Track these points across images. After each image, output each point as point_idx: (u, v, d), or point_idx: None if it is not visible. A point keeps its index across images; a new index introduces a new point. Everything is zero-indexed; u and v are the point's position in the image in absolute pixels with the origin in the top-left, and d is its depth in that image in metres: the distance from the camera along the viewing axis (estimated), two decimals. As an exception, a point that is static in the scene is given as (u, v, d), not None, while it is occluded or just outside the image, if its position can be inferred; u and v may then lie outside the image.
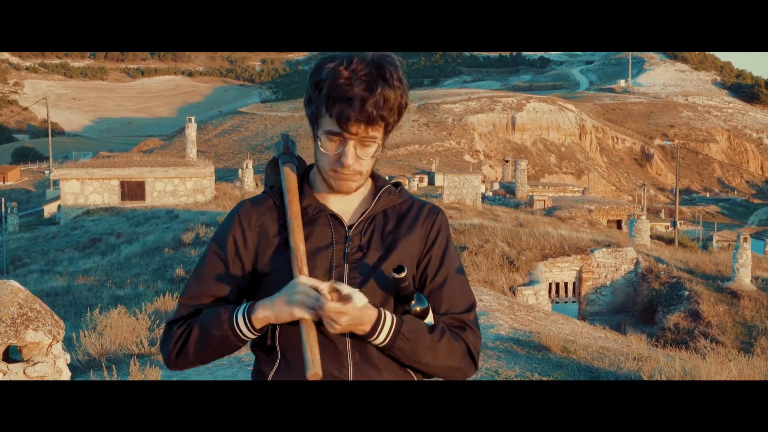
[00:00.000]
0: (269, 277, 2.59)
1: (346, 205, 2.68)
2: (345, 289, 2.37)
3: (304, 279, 2.42)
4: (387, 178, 2.67)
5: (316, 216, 2.63)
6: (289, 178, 2.69)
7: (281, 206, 2.67)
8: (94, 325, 10.31)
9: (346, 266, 2.59)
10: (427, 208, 2.74)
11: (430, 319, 2.57)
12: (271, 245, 2.62)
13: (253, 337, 2.51)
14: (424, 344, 2.49)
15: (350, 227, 2.65)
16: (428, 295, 2.63)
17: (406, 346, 2.46)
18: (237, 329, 2.48)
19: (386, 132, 2.57)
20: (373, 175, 2.77)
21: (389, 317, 2.46)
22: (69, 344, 9.86)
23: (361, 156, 2.54)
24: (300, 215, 2.60)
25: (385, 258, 2.60)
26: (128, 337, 10.17)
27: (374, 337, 2.44)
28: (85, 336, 9.88)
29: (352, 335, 2.51)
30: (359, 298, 2.38)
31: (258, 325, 2.48)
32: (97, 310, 10.86)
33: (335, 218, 2.65)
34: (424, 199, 2.80)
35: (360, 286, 2.53)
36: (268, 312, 2.45)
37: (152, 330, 10.64)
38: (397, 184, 2.79)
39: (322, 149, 2.56)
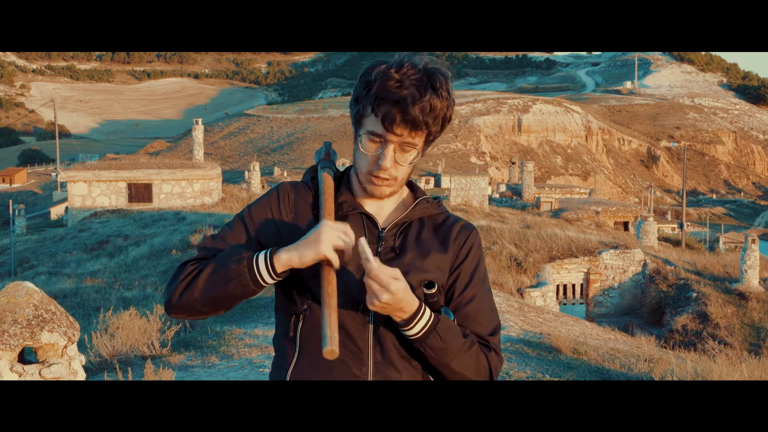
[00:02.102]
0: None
1: (381, 208, 2.68)
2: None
3: (337, 224, 2.41)
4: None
5: (349, 213, 2.62)
6: (327, 181, 2.68)
7: (317, 199, 2.67)
8: (105, 327, 10.30)
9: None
10: (461, 224, 2.73)
11: None
12: (300, 234, 2.57)
13: (270, 281, 2.45)
14: (455, 348, 2.46)
15: (383, 229, 2.64)
16: (454, 310, 2.60)
17: (438, 344, 2.43)
18: (255, 268, 2.43)
19: (427, 141, 2.56)
20: (413, 186, 2.77)
21: (428, 311, 2.43)
22: (80, 346, 9.85)
23: (399, 161, 2.54)
24: (333, 214, 2.58)
25: (418, 263, 2.58)
26: (140, 338, 10.16)
27: (410, 326, 2.40)
28: (96, 338, 9.88)
29: (376, 333, 2.50)
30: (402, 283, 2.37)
31: (279, 267, 2.43)
32: (109, 312, 10.85)
33: (369, 218, 2.64)
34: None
35: None
36: (292, 252, 2.41)
37: (163, 332, 10.63)
38: (435, 198, 2.78)
39: (362, 149, 2.55)
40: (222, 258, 2.48)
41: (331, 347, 2.26)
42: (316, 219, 2.62)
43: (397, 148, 2.51)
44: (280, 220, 2.64)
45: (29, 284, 4.95)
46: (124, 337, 10.00)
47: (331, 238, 2.37)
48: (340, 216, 2.61)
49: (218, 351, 10.60)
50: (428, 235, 2.66)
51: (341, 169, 2.83)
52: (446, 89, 2.49)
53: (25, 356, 4.91)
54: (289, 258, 2.40)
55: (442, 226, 2.70)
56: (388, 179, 2.56)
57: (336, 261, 2.39)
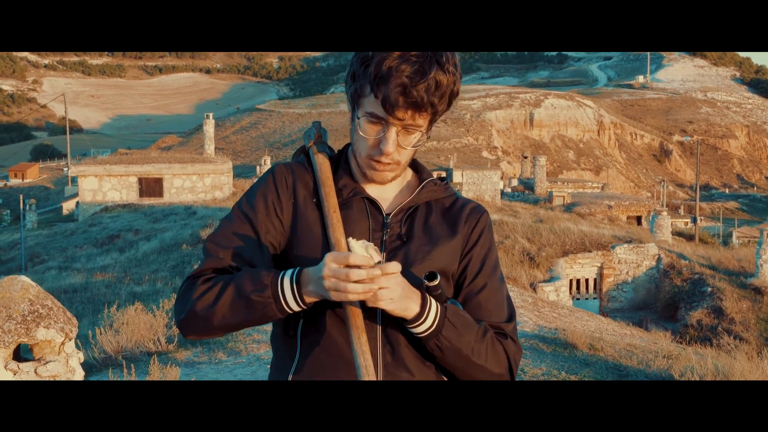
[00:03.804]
0: (302, 262, 2.30)
1: (384, 192, 2.45)
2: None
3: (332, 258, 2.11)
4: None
5: (351, 198, 2.40)
6: (324, 167, 2.44)
7: (315, 183, 2.43)
8: (110, 323, 10.13)
9: (384, 256, 2.32)
10: (471, 206, 2.50)
11: None
12: (304, 223, 2.37)
13: (297, 309, 2.21)
14: (470, 337, 2.25)
15: (388, 215, 2.41)
16: (465, 300, 2.40)
17: (453, 335, 2.22)
18: (282, 298, 2.18)
19: (432, 120, 2.32)
20: (418, 166, 2.54)
21: (434, 302, 2.22)
22: (85, 342, 9.71)
23: (402, 144, 2.31)
24: (338, 209, 2.35)
25: (427, 250, 2.36)
26: (145, 334, 9.99)
27: (421, 321, 2.19)
28: (101, 333, 9.71)
29: (385, 332, 2.29)
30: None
31: (310, 300, 2.18)
32: (114, 307, 10.68)
33: (372, 203, 2.41)
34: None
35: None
36: (311, 286, 2.16)
37: (169, 327, 10.45)
38: (442, 179, 2.54)
39: (360, 132, 2.31)
40: (240, 285, 2.21)
41: (369, 378, 2.08)
42: (318, 208, 2.39)
43: (400, 131, 2.28)
44: (281, 207, 2.40)
45: (25, 278, 4.79)
46: (129, 333, 9.82)
47: (334, 284, 2.10)
48: (340, 203, 2.37)
49: (225, 347, 10.41)
50: (436, 220, 2.44)
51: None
52: (453, 63, 2.26)
53: (21, 354, 4.75)
54: (318, 295, 2.16)
55: (450, 210, 2.48)
56: (390, 164, 2.33)
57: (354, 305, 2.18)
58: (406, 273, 2.24)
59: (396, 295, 2.13)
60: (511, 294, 11.25)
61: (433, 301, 2.22)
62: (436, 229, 2.42)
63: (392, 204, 2.45)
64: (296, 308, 2.19)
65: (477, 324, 2.31)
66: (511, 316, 2.44)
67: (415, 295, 2.19)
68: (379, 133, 2.29)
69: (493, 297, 2.42)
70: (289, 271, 2.21)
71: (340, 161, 2.49)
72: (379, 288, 2.09)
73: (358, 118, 2.31)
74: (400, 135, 2.29)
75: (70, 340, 4.81)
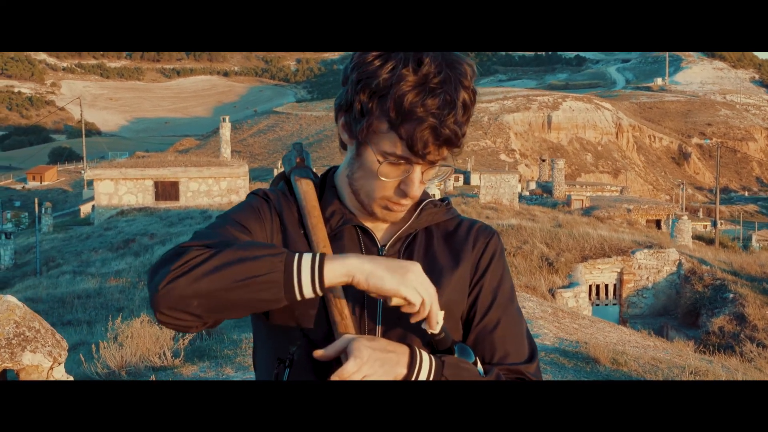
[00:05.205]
0: None
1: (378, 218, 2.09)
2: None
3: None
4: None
5: (341, 228, 2.06)
6: (309, 195, 2.09)
7: (299, 212, 2.08)
8: (115, 335, 9.80)
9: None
10: (477, 228, 2.15)
11: None
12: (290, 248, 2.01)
13: (307, 293, 1.80)
14: None
15: (384, 246, 2.07)
16: (476, 340, 2.06)
17: None
18: (296, 269, 1.79)
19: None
20: None
21: (425, 356, 1.87)
22: (88, 355, 9.43)
23: (424, 180, 1.97)
24: (328, 242, 2.01)
25: None
26: (151, 348, 9.65)
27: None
28: (105, 347, 9.39)
29: None
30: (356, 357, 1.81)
31: (330, 278, 1.81)
32: (119, 319, 10.35)
33: (365, 233, 2.07)
34: (461, 206, 2.15)
35: (396, 322, 1.98)
36: (367, 265, 1.80)
37: (176, 341, 10.11)
38: (443, 199, 2.20)
39: (382, 177, 1.94)
40: (249, 245, 1.85)
41: None
42: (306, 239, 2.04)
43: (424, 167, 1.95)
44: (271, 234, 2.05)
45: (11, 298, 4.48)
46: (134, 347, 9.48)
47: (419, 282, 1.81)
48: (330, 233, 2.05)
49: (233, 361, 10.04)
50: (439, 248, 2.10)
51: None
52: (472, 74, 1.93)
53: (8, 379, 4.45)
54: (349, 270, 1.80)
55: (454, 235, 2.14)
56: (410, 203, 2.01)
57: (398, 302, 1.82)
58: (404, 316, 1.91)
59: (376, 377, 1.81)
60: (530, 304, 10.82)
61: (426, 356, 1.88)
62: (439, 259, 2.08)
63: (387, 232, 2.11)
64: (307, 286, 1.80)
65: (486, 373, 1.98)
66: (533, 355, 2.10)
67: (402, 356, 1.85)
68: (402, 174, 1.95)
69: (510, 334, 2.08)
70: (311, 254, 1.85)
71: (325, 186, 2.14)
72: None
73: (373, 154, 1.95)
74: (424, 172, 1.96)
75: (59, 364, 4.51)
